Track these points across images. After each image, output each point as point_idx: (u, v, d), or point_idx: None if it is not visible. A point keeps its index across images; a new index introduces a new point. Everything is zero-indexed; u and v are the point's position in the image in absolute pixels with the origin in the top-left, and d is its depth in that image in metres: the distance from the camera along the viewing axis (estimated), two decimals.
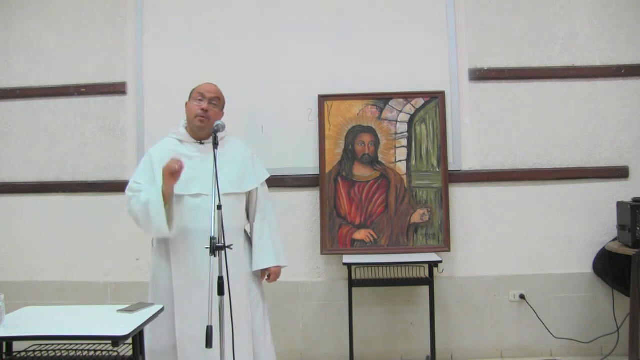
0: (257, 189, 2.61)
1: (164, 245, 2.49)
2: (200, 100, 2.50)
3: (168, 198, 2.34)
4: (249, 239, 2.64)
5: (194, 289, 2.37)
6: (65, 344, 2.15)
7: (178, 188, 2.41)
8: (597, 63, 3.50)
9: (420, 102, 3.50)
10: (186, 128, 2.56)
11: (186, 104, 2.57)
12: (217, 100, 2.52)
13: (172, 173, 2.29)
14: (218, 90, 2.57)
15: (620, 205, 3.29)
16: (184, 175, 2.40)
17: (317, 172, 3.49)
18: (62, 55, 3.65)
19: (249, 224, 2.67)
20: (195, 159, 2.48)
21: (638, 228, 3.08)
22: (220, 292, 2.05)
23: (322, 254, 3.46)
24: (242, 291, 2.48)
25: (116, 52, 3.62)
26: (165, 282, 2.46)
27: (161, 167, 2.41)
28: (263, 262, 2.57)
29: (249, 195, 2.61)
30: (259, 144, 3.23)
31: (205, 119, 2.47)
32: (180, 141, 2.54)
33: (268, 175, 2.67)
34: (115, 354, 2.11)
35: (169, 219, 2.34)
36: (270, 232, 2.60)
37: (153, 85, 3.58)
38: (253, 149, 2.70)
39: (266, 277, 2.61)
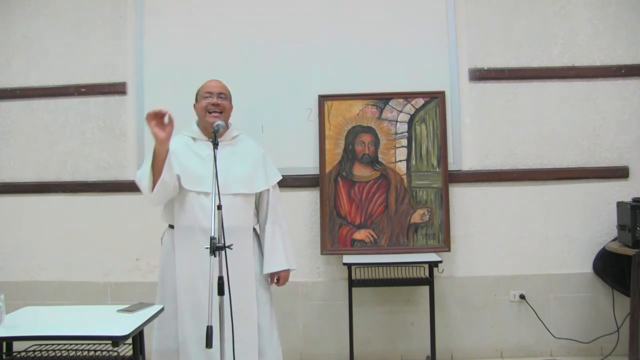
0: (268, 190, 2.59)
1: (172, 245, 2.49)
2: (208, 97, 2.52)
3: (159, 154, 2.28)
4: (258, 239, 2.63)
5: (197, 288, 2.37)
6: (65, 344, 2.15)
7: (187, 184, 2.43)
8: (597, 63, 3.50)
9: (420, 102, 3.50)
10: (198, 125, 2.56)
11: (194, 105, 2.58)
12: (224, 94, 2.54)
13: (156, 116, 2.24)
14: (223, 85, 2.59)
15: (620, 205, 3.29)
16: (193, 172, 2.41)
17: (317, 172, 3.49)
18: (62, 55, 3.65)
19: (257, 225, 2.65)
20: (208, 157, 2.46)
21: (638, 228, 3.08)
22: (220, 292, 2.05)
23: (322, 254, 3.46)
24: (248, 291, 2.47)
25: (116, 52, 3.62)
26: (172, 282, 2.46)
27: (175, 155, 2.41)
28: (275, 265, 2.55)
29: (259, 196, 2.60)
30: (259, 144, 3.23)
31: (218, 113, 2.48)
32: (194, 139, 2.55)
33: (280, 177, 2.65)
34: (115, 354, 2.12)
35: (156, 176, 2.29)
36: (282, 235, 2.58)
37: (153, 85, 3.57)
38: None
39: (275, 281, 2.60)
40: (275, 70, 3.54)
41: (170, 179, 2.33)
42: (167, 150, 2.30)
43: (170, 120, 2.26)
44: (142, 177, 2.33)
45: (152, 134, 2.26)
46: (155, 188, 2.29)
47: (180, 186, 2.43)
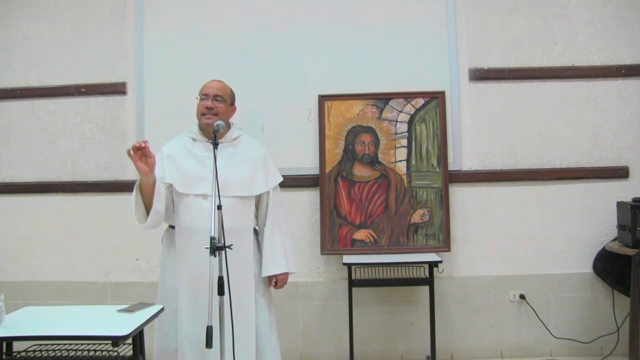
0: (268, 192, 2.56)
1: (172, 245, 2.49)
2: (204, 99, 2.50)
3: (146, 185, 2.28)
4: (259, 241, 2.60)
5: (197, 289, 2.37)
6: (65, 344, 2.15)
7: (184, 187, 2.42)
8: (597, 63, 3.50)
9: (420, 102, 3.50)
10: (199, 126, 2.55)
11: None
12: (221, 97, 2.50)
13: (137, 149, 2.21)
14: (222, 86, 2.54)
15: (620, 205, 3.29)
16: (190, 175, 2.41)
17: (317, 172, 3.49)
18: (62, 55, 3.65)
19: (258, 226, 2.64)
20: (204, 158, 2.46)
21: (638, 228, 3.08)
22: (220, 292, 2.05)
23: (322, 254, 3.46)
24: (246, 292, 2.46)
25: (116, 52, 3.62)
26: (173, 282, 2.46)
27: (171, 160, 2.43)
28: (273, 268, 2.53)
29: (258, 197, 2.57)
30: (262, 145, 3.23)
31: (212, 116, 2.45)
32: (193, 140, 2.53)
33: (281, 179, 2.63)
34: (115, 354, 2.12)
35: (147, 207, 2.30)
36: (281, 237, 2.55)
37: (153, 85, 3.57)
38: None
39: (273, 283, 2.58)
40: (276, 70, 3.54)
41: (161, 206, 2.33)
42: (154, 180, 2.29)
43: (149, 152, 2.23)
44: (134, 210, 2.33)
45: (136, 168, 2.24)
46: (149, 218, 2.31)
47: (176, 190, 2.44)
